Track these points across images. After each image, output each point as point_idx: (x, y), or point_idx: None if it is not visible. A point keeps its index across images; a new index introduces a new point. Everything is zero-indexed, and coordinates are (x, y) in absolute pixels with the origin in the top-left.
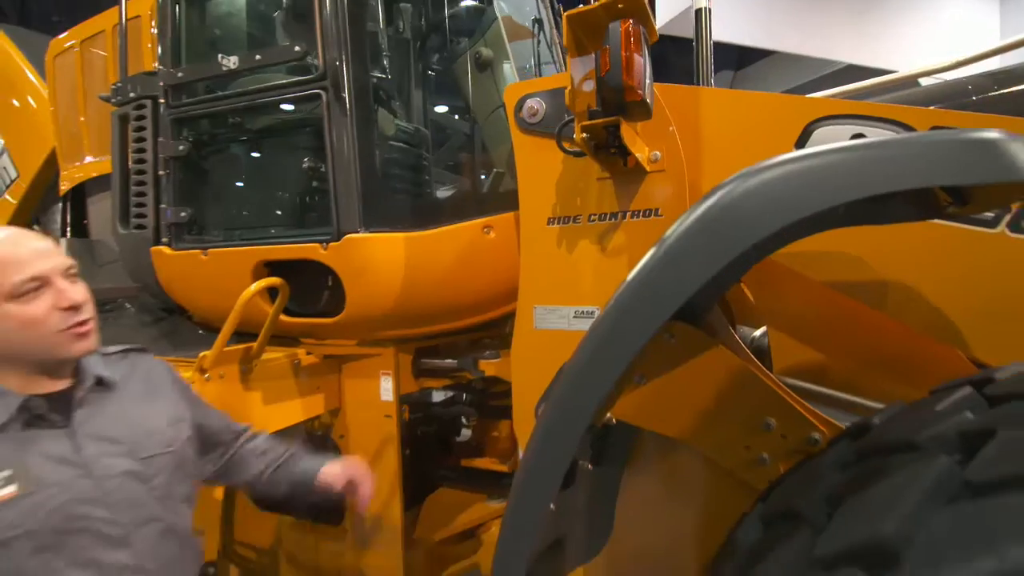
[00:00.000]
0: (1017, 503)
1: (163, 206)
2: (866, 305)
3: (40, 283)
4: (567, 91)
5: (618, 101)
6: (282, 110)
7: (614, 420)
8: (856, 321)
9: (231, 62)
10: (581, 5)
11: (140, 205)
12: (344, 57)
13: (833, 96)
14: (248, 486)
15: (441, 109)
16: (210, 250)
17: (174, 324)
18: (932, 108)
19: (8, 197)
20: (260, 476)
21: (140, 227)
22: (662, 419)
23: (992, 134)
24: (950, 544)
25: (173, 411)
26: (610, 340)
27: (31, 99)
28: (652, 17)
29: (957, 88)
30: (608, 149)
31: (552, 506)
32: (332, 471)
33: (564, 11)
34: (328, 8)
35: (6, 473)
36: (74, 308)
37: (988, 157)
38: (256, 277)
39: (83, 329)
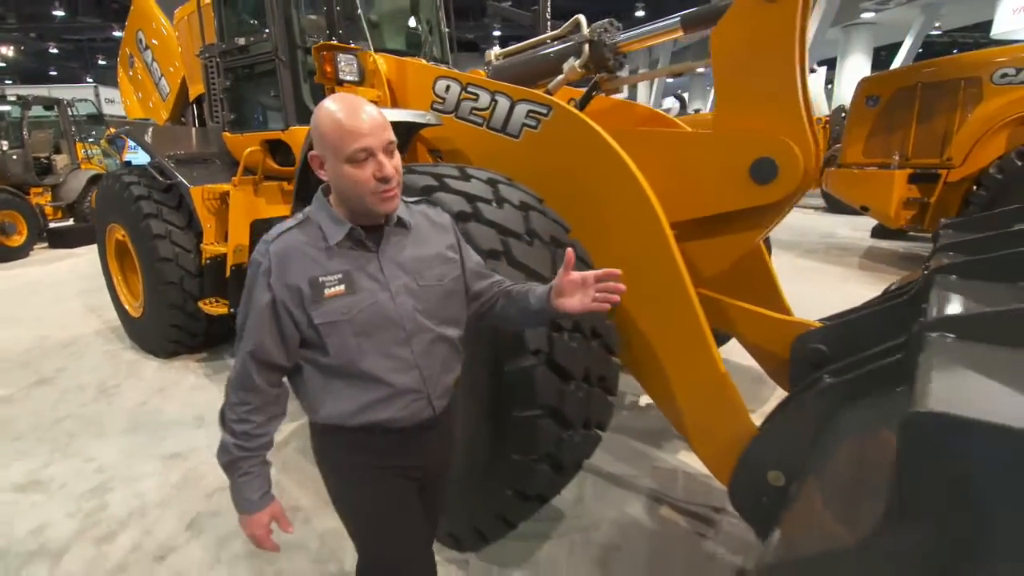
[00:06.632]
0: None
1: (224, 112)
2: None
3: (367, 154)
4: (316, 76)
5: (332, 81)
6: (264, 65)
7: None
8: None
9: (242, 41)
10: None
11: (216, 111)
12: (281, 41)
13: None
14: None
15: None
16: (244, 134)
17: (234, 168)
18: (479, 76)
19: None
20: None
21: (217, 122)
22: None
23: (404, 112)
24: None
25: (443, 253)
26: None
27: (169, 41)
28: (354, 43)
29: (546, 57)
30: None
31: None
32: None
33: None
34: (276, 13)
35: (339, 276)
36: (385, 179)
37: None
38: (263, 147)
39: (388, 195)
